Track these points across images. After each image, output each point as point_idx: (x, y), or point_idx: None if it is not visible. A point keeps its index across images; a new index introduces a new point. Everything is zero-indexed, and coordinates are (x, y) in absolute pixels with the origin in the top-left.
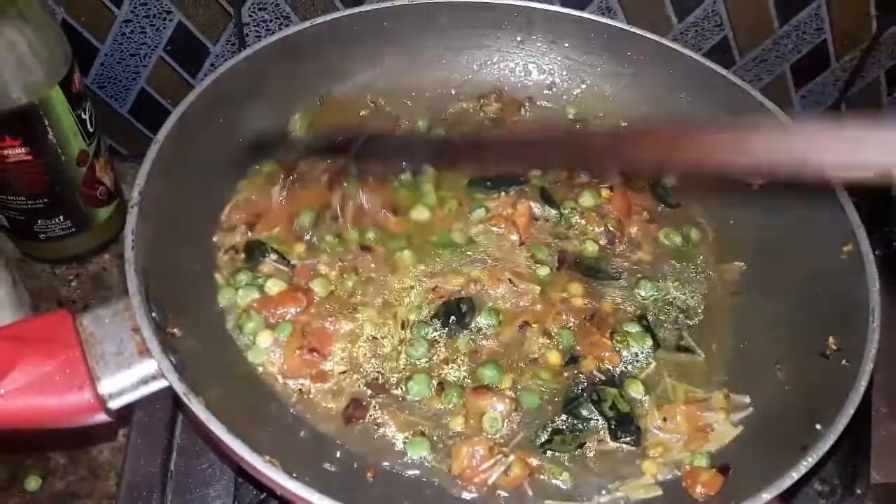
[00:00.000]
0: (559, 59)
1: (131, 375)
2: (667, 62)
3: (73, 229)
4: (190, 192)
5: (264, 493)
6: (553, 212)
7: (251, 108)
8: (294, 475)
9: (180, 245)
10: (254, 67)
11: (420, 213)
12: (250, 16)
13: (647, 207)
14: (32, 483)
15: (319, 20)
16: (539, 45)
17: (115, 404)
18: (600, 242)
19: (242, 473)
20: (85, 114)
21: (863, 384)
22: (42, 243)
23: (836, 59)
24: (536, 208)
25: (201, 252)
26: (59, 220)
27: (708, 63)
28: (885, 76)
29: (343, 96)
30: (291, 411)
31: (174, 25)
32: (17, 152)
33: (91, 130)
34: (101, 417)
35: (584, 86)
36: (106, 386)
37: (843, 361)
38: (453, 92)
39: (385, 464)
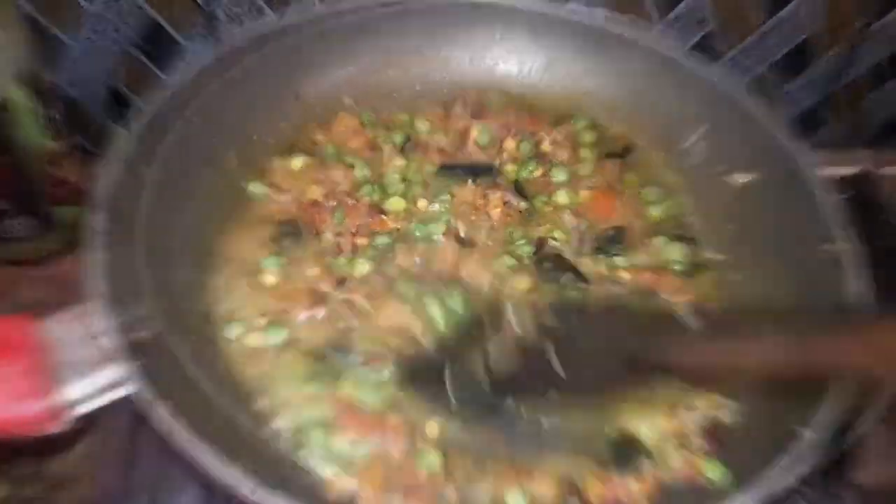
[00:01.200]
0: (540, 55)
1: (95, 381)
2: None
3: (41, 230)
4: (159, 190)
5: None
6: (524, 204)
7: (224, 104)
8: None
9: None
10: (223, 64)
11: (396, 204)
12: (223, 10)
13: None
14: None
15: (292, 15)
16: (517, 41)
17: (79, 411)
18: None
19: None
20: (52, 113)
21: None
22: (8, 244)
23: (822, 54)
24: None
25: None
26: (25, 220)
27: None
28: (872, 71)
29: (319, 94)
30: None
31: (145, 21)
32: None
33: (59, 129)
34: (65, 425)
35: (564, 82)
36: (69, 392)
37: None
38: (443, 90)
39: None
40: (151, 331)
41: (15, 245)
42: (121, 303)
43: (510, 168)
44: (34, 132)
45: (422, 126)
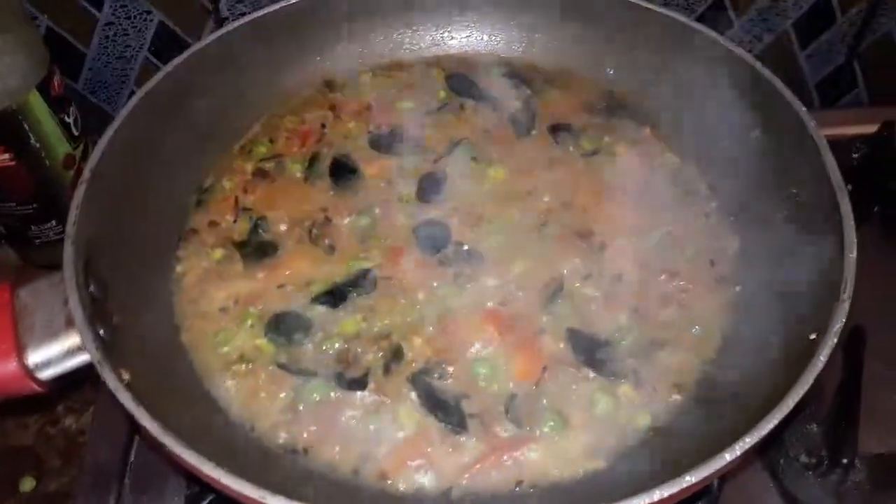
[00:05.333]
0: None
1: (58, 346)
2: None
3: None
4: (152, 173)
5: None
6: None
7: (214, 96)
8: (209, 456)
9: (137, 226)
10: (217, 53)
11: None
12: (228, 10)
13: None
14: (27, 484)
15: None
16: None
17: (44, 375)
18: None
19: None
20: (68, 117)
21: (822, 360)
22: (38, 248)
23: (840, 12)
24: None
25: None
26: (52, 224)
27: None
28: None
29: (297, 80)
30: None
31: (155, 25)
32: (1, 158)
33: (76, 134)
34: (32, 387)
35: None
36: (33, 356)
37: (812, 335)
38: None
39: None
40: (128, 309)
41: (46, 249)
42: (97, 277)
43: None
44: (53, 137)
45: None
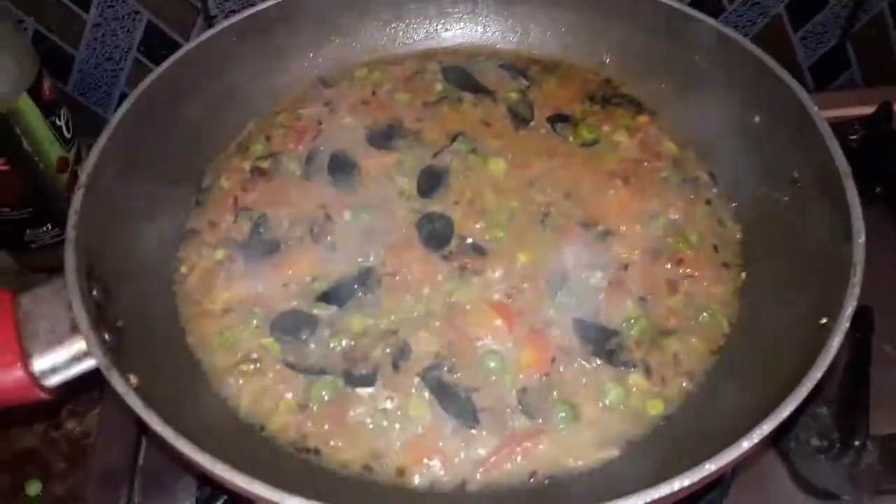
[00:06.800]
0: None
1: (63, 353)
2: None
3: (63, 236)
4: (149, 175)
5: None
6: None
7: (208, 95)
8: (221, 458)
9: (137, 229)
10: (208, 53)
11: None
12: (217, 7)
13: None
14: (33, 488)
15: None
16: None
17: (50, 382)
18: None
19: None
20: (60, 120)
21: (834, 346)
22: (35, 253)
23: None
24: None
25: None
26: (48, 228)
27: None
28: (888, 9)
29: (290, 77)
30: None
31: (144, 25)
32: None
33: (68, 136)
34: (38, 395)
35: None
36: (38, 363)
37: (823, 320)
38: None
39: None
40: (132, 315)
41: (43, 253)
42: (99, 280)
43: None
44: (46, 141)
45: None
